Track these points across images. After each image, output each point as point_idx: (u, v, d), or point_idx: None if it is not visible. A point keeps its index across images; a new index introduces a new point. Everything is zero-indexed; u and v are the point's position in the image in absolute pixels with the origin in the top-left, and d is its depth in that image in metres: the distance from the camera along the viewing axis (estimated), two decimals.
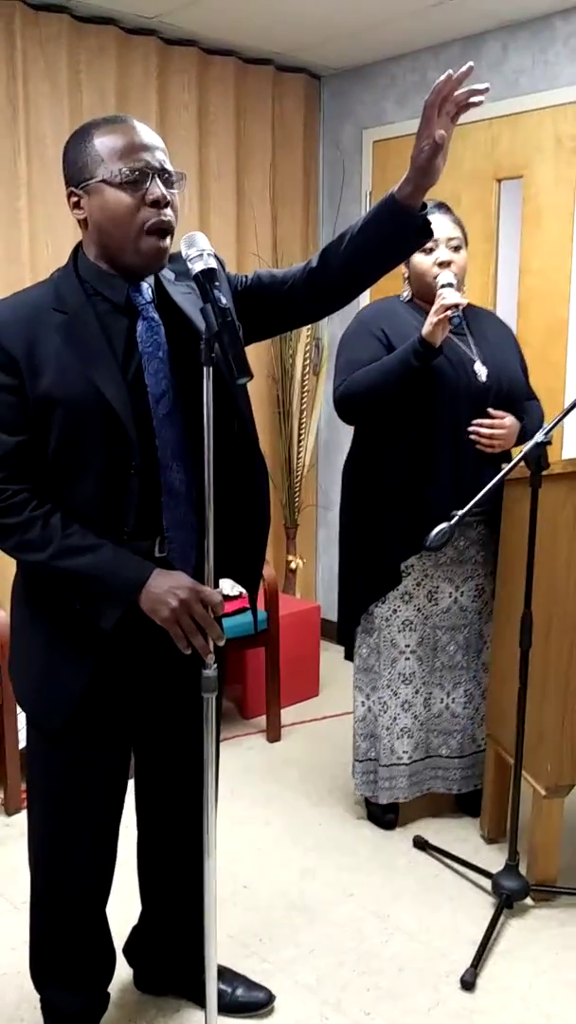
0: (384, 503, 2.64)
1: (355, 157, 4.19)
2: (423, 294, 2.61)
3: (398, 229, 1.67)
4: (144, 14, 3.46)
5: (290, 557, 4.25)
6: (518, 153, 3.56)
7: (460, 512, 2.16)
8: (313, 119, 4.28)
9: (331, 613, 4.28)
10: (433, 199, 2.63)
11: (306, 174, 4.27)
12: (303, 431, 4.19)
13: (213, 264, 1.61)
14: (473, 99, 1.56)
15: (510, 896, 2.41)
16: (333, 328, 4.32)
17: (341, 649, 2.92)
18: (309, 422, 4.21)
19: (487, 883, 2.52)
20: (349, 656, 2.90)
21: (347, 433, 4.36)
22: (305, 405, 4.18)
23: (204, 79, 3.82)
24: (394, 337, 2.58)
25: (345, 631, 2.85)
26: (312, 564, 4.60)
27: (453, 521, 2.14)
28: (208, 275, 1.59)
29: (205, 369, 1.58)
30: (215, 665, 1.67)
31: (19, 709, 2.91)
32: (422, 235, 1.70)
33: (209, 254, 1.62)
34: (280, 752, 3.44)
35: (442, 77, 1.53)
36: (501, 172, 3.63)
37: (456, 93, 1.55)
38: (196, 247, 1.62)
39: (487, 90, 1.57)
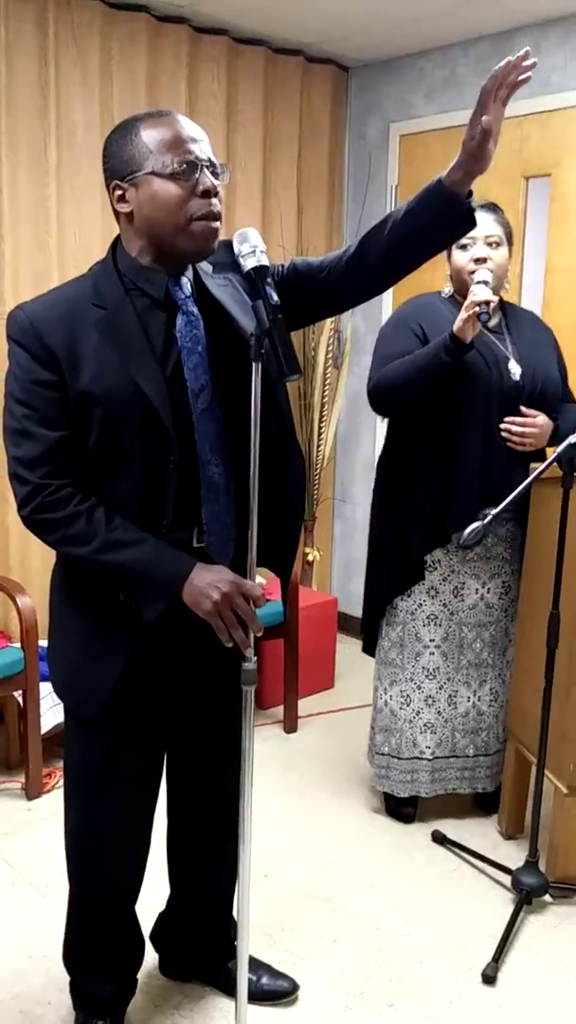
0: (411, 496, 2.65)
1: (381, 150, 4.19)
2: (462, 290, 2.62)
3: (443, 215, 1.66)
4: (176, 1, 3.45)
5: (307, 549, 4.26)
6: (547, 151, 3.56)
7: (494, 511, 2.17)
8: (340, 111, 4.28)
9: (346, 606, 4.31)
10: (484, 198, 2.66)
11: (332, 166, 4.27)
12: (323, 424, 4.20)
13: (265, 261, 1.62)
14: (522, 76, 1.56)
15: (530, 892, 2.43)
16: (356, 321, 4.33)
17: (356, 642, 2.94)
18: (330, 415, 4.22)
19: (506, 879, 2.54)
20: (368, 650, 2.91)
21: (366, 427, 4.40)
22: (326, 398, 4.18)
23: (233, 68, 3.81)
24: (431, 332, 2.59)
25: (368, 623, 2.87)
26: (328, 557, 4.62)
27: (487, 520, 2.16)
28: (260, 272, 1.60)
29: (254, 365, 1.58)
30: (255, 658, 1.69)
31: (42, 696, 2.94)
32: (466, 222, 1.69)
33: (261, 251, 1.62)
34: (297, 743, 3.46)
35: (500, 63, 1.54)
36: (529, 170, 3.63)
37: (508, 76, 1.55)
38: (249, 243, 1.62)
39: (535, 65, 1.57)
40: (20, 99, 3.23)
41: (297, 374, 1.58)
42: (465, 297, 2.55)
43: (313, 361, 4.12)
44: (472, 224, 1.69)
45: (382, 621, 2.82)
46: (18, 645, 2.95)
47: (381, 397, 2.64)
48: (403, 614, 2.74)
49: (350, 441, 4.48)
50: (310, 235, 4.21)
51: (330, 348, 4.18)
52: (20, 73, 3.22)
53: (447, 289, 2.71)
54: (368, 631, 2.89)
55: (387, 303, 4.14)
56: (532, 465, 2.56)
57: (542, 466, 2.23)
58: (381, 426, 4.34)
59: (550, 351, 2.72)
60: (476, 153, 1.58)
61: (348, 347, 4.30)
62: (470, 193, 1.65)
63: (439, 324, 2.58)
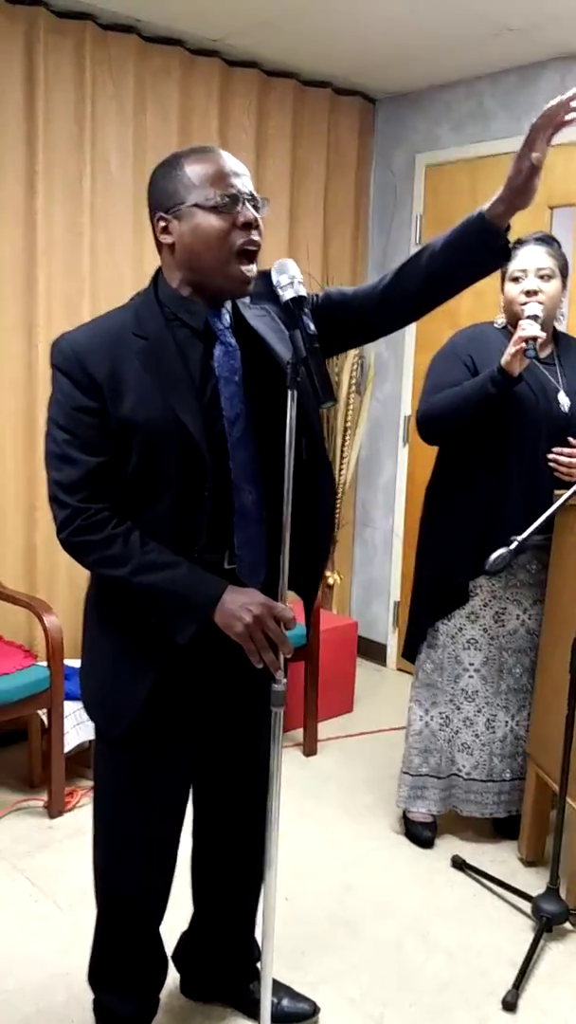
0: (456, 522, 2.70)
1: (407, 181, 4.25)
2: (513, 322, 2.65)
3: (480, 247, 1.70)
4: (209, 36, 3.54)
5: (328, 573, 4.28)
6: (572, 181, 3.61)
7: (519, 538, 2.20)
8: (367, 142, 4.35)
9: (366, 630, 4.33)
10: (540, 231, 2.70)
11: (358, 196, 4.33)
12: (346, 449, 4.23)
13: (303, 291, 1.66)
14: (569, 116, 1.60)
15: (550, 919, 2.43)
16: (379, 348, 4.37)
17: (375, 666, 2.95)
18: (352, 440, 4.26)
19: (526, 905, 2.54)
20: (408, 655, 2.94)
21: (388, 453, 4.43)
22: (349, 423, 4.22)
23: (263, 101, 3.89)
24: (480, 363, 2.64)
25: (410, 644, 2.91)
26: (348, 580, 4.64)
27: (512, 547, 2.18)
28: (298, 302, 1.64)
29: (290, 393, 1.62)
30: (285, 680, 1.71)
31: (66, 715, 2.97)
32: (501, 257, 1.74)
33: (299, 281, 1.66)
34: (317, 766, 3.47)
35: (553, 102, 1.58)
36: (554, 200, 3.68)
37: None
38: (287, 274, 1.67)
39: None
40: (57, 131, 3.32)
41: (333, 401, 1.62)
42: (516, 328, 2.59)
43: (336, 387, 4.16)
44: (507, 259, 1.74)
45: (423, 643, 2.85)
46: (44, 663, 2.99)
47: (429, 426, 2.69)
48: (444, 637, 2.78)
49: (372, 466, 4.51)
50: (336, 264, 4.28)
51: (354, 374, 4.23)
52: (58, 106, 3.31)
53: (500, 320, 2.74)
54: (409, 651, 2.93)
55: (411, 332, 4.19)
56: (556, 492, 2.59)
57: (567, 493, 2.26)
58: (402, 451, 4.38)
59: None
60: (522, 188, 1.62)
61: (372, 373, 4.34)
62: (508, 227, 1.69)
63: (489, 355, 2.62)
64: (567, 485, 2.61)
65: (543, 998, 2.26)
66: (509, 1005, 2.21)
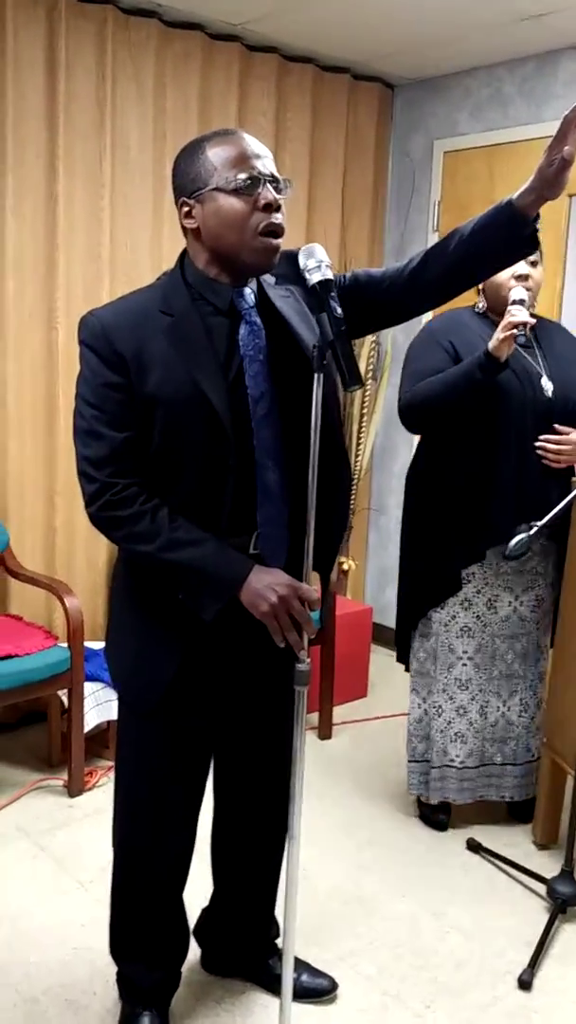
0: (447, 511, 2.69)
1: (425, 167, 4.25)
2: (497, 306, 2.65)
3: (509, 235, 1.72)
4: (230, 20, 3.54)
5: (343, 559, 4.31)
6: None
7: (539, 523, 2.22)
8: (385, 128, 4.35)
9: (380, 616, 4.35)
10: None
11: (376, 182, 4.33)
12: (362, 435, 4.25)
13: (331, 275, 1.68)
14: None
15: (565, 901, 2.45)
16: (396, 334, 4.38)
17: (389, 652, 2.97)
18: (368, 427, 4.27)
19: (540, 887, 2.57)
20: (402, 659, 2.95)
21: (403, 439, 4.44)
22: (365, 410, 4.24)
23: (283, 86, 3.88)
24: (462, 349, 2.63)
25: (402, 634, 2.92)
26: (363, 566, 4.66)
27: (532, 532, 2.20)
28: (325, 286, 1.66)
29: (316, 376, 1.64)
30: (308, 659, 1.74)
31: (86, 696, 3.01)
32: (530, 245, 1.75)
33: (327, 265, 1.68)
34: (332, 749, 3.50)
35: None
36: (572, 188, 3.66)
37: None
38: (315, 258, 1.68)
39: None
40: (78, 114, 3.33)
41: (360, 385, 1.63)
42: (498, 313, 2.59)
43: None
44: (535, 246, 1.74)
45: (415, 632, 2.86)
46: (64, 644, 3.02)
47: (413, 414, 2.67)
48: (437, 626, 2.78)
49: (387, 453, 4.53)
50: (353, 249, 4.28)
51: (370, 360, 4.24)
52: (79, 89, 3.32)
53: (480, 304, 2.74)
54: (401, 642, 2.94)
55: (428, 318, 4.19)
56: (574, 480, 2.60)
57: None
58: (417, 438, 4.37)
59: None
60: (552, 180, 1.63)
61: (388, 359, 4.35)
62: (537, 216, 1.70)
63: (470, 340, 2.62)
64: (554, 471, 2.64)
65: (557, 978, 2.29)
66: (524, 984, 2.25)
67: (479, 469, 2.63)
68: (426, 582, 2.77)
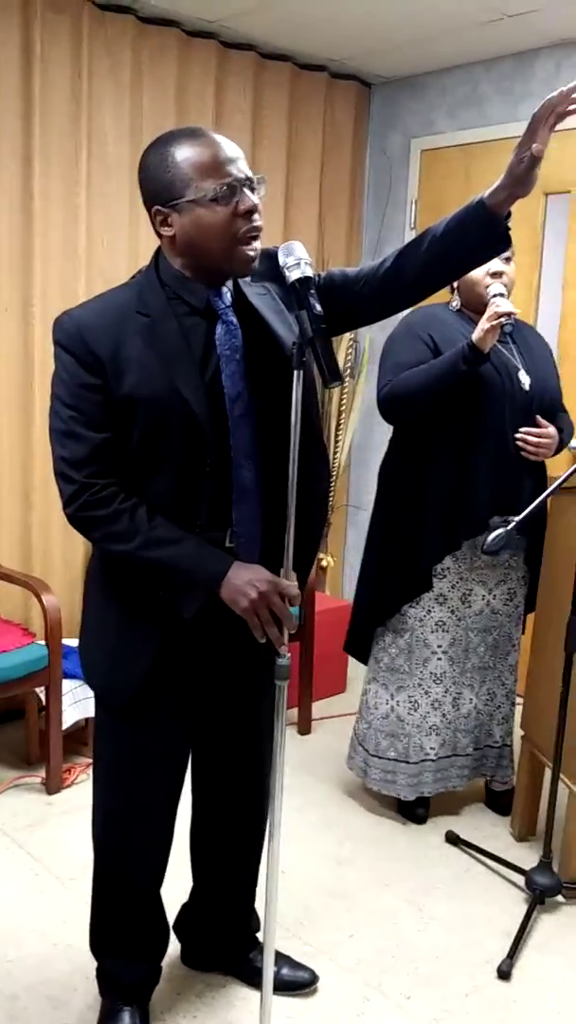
0: (423, 505, 2.69)
1: (402, 165, 4.27)
2: (472, 303, 2.68)
3: (482, 235, 1.73)
4: (206, 17, 3.54)
5: (321, 555, 4.32)
6: (568, 169, 3.63)
7: (517, 518, 2.24)
8: (362, 126, 4.36)
9: None
10: None
11: (353, 180, 4.35)
12: (340, 433, 4.26)
13: (310, 273, 1.68)
14: (571, 107, 1.62)
15: (543, 892, 2.48)
16: (373, 332, 4.39)
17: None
18: (346, 424, 4.29)
19: (519, 879, 2.60)
20: (363, 657, 2.95)
21: (381, 435, 4.45)
22: (343, 407, 4.25)
23: (259, 83, 3.89)
24: (441, 343, 2.65)
25: (363, 630, 2.91)
26: (340, 563, 4.68)
27: (511, 526, 2.22)
28: (305, 283, 1.67)
29: (296, 373, 1.65)
30: (288, 654, 1.75)
31: (64, 693, 3.00)
32: (502, 243, 1.76)
33: (307, 263, 1.69)
34: (311, 744, 3.52)
35: (555, 93, 1.60)
36: (549, 186, 3.70)
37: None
38: (294, 256, 1.69)
39: None
40: (54, 109, 3.32)
41: (340, 381, 1.64)
42: (473, 309, 2.61)
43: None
44: (507, 245, 1.75)
45: (380, 628, 2.86)
46: (42, 642, 3.01)
47: (394, 405, 2.67)
48: (412, 621, 2.79)
49: (365, 449, 4.54)
50: (331, 248, 4.29)
51: (348, 358, 4.25)
52: (54, 84, 3.31)
53: (455, 303, 2.76)
54: (361, 638, 2.93)
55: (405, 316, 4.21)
56: (551, 476, 2.63)
57: (565, 474, 2.30)
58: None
59: (550, 362, 2.81)
60: (523, 178, 1.64)
61: (366, 357, 4.37)
62: (509, 214, 1.71)
63: (449, 335, 2.64)
64: (534, 464, 2.67)
65: (536, 967, 2.31)
66: (504, 974, 2.27)
67: (456, 461, 2.64)
68: (401, 578, 2.77)
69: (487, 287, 2.61)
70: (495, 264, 2.60)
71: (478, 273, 2.62)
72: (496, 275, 2.62)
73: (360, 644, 2.95)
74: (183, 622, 1.76)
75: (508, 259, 2.65)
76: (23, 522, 3.47)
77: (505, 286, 2.61)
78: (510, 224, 1.73)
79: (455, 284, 2.74)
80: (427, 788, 2.89)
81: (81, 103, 3.36)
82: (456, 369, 2.54)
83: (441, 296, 2.77)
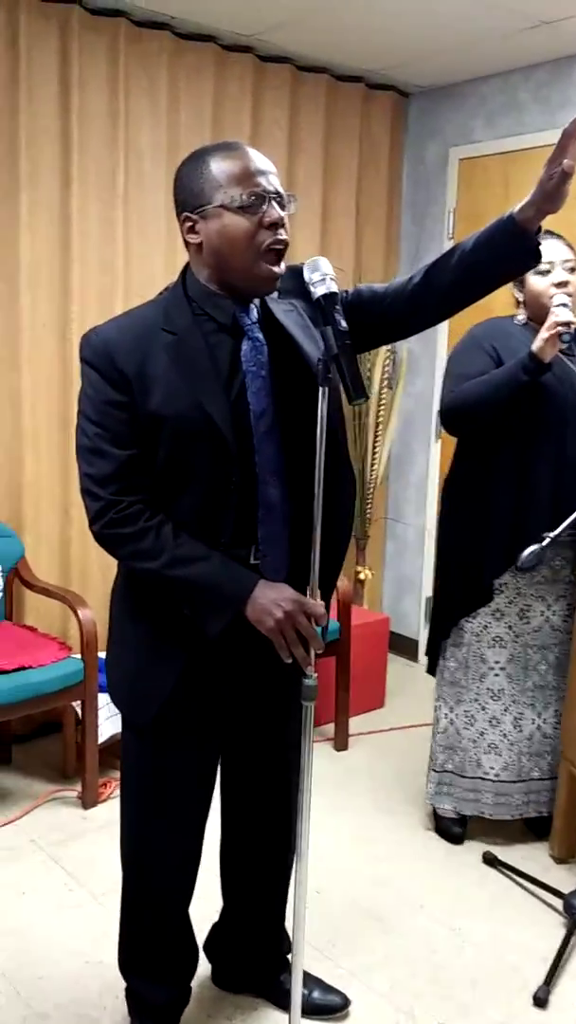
0: (483, 519, 2.68)
1: (440, 175, 4.23)
2: (538, 316, 2.61)
3: (512, 250, 1.70)
4: (243, 31, 3.55)
5: (359, 568, 4.29)
6: None
7: (552, 534, 2.19)
8: (400, 136, 4.34)
9: (397, 625, 4.33)
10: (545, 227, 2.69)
11: (390, 191, 4.32)
12: (377, 444, 4.23)
13: (335, 288, 1.67)
14: None
15: None
16: (411, 344, 4.36)
17: (407, 661, 2.94)
18: (384, 435, 4.26)
19: (557, 902, 2.54)
20: (432, 669, 2.93)
21: (420, 448, 4.43)
22: (381, 419, 4.22)
23: (296, 96, 3.89)
24: (504, 354, 2.62)
25: (433, 643, 2.90)
26: (380, 575, 4.64)
27: (544, 543, 2.18)
28: (330, 299, 1.65)
29: (321, 390, 1.63)
30: (315, 675, 1.73)
31: (100, 707, 3.01)
32: (532, 258, 1.73)
33: (332, 278, 1.67)
34: (347, 761, 3.48)
35: None
36: None
37: None
38: (319, 271, 1.68)
39: None
40: (92, 128, 3.35)
41: (365, 398, 1.62)
42: (540, 322, 2.56)
43: (368, 382, 4.16)
44: (538, 260, 1.72)
45: (444, 641, 2.84)
46: (78, 656, 3.02)
47: (456, 416, 2.66)
48: (468, 635, 2.76)
49: (403, 461, 4.51)
50: (368, 259, 4.27)
51: (386, 369, 4.22)
52: (92, 103, 3.34)
53: (520, 316, 2.72)
54: (432, 651, 2.92)
55: (443, 327, 4.17)
56: None
57: None
58: (435, 447, 4.37)
59: None
60: (553, 193, 1.60)
61: (403, 368, 4.33)
62: (539, 230, 1.68)
63: (512, 347, 2.61)
64: None
65: (573, 994, 2.26)
66: (540, 1001, 2.22)
67: (518, 476, 2.62)
68: (460, 591, 2.76)
69: (551, 297, 2.57)
70: (558, 274, 2.57)
71: (541, 284, 2.59)
72: (561, 285, 2.58)
73: (433, 659, 2.93)
74: (208, 641, 1.75)
75: (573, 269, 2.61)
76: (62, 536, 3.50)
77: (570, 295, 2.57)
78: (541, 240, 1.70)
79: (522, 298, 2.69)
80: (487, 809, 2.84)
81: (118, 121, 3.39)
82: (516, 379, 2.51)
83: (507, 308, 2.76)
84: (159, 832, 1.92)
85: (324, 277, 1.67)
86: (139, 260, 3.54)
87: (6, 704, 2.82)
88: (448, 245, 4.12)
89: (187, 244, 1.73)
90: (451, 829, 2.92)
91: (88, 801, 3.04)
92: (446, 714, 2.86)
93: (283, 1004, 2.13)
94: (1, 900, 2.56)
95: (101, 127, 3.37)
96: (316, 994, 2.16)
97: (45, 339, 3.37)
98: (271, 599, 1.69)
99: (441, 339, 4.24)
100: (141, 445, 1.69)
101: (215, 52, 3.60)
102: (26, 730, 3.43)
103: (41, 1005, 2.18)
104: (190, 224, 1.70)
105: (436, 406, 4.25)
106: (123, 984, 2.07)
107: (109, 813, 2.99)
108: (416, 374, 4.40)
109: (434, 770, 2.90)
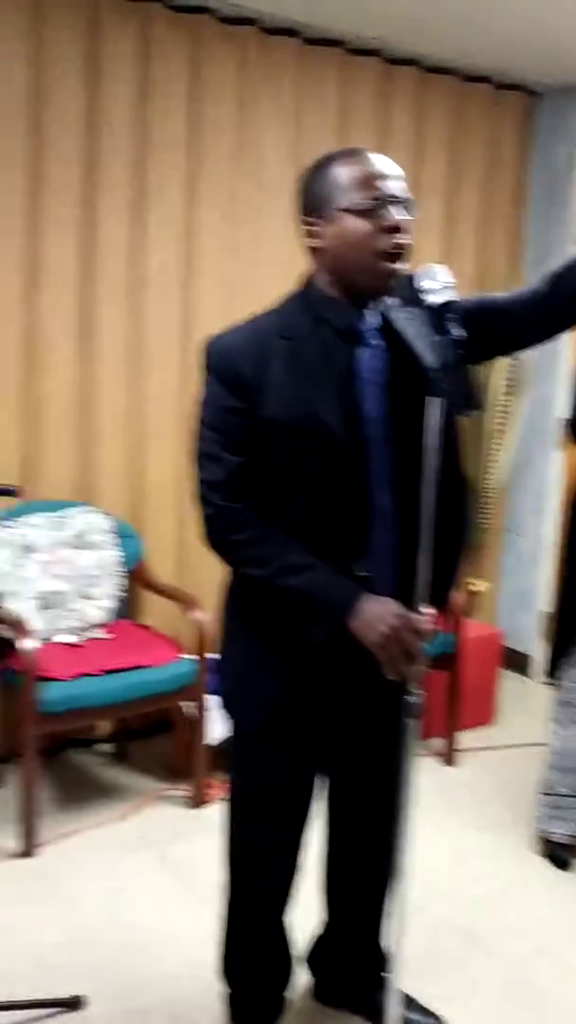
0: None
1: (568, 177, 4.11)
2: None
3: None
4: (369, 34, 3.53)
5: (471, 580, 4.20)
6: None
7: None
8: (527, 138, 4.24)
9: (512, 640, 4.22)
10: None
11: (516, 194, 4.23)
12: (496, 452, 4.14)
13: (453, 296, 1.64)
14: None
15: None
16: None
17: (520, 678, 2.87)
18: (503, 444, 4.16)
19: None
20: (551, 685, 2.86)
21: (542, 456, 4.30)
22: (499, 426, 4.12)
23: (421, 99, 3.85)
24: None
25: (553, 661, 2.83)
26: (496, 588, 4.54)
27: None
28: (447, 307, 1.63)
29: (434, 400, 1.61)
30: (420, 692, 1.70)
31: (211, 708, 3.05)
32: None
33: (449, 286, 1.65)
34: (454, 777, 3.43)
35: None
36: None
37: None
38: (437, 280, 1.66)
39: None
40: (218, 139, 3.41)
41: (477, 410, 1.59)
42: None
43: (486, 390, 4.07)
44: None
45: (564, 660, 2.76)
46: (192, 657, 3.07)
47: None
48: None
49: (523, 471, 4.40)
50: (492, 265, 4.19)
51: (509, 375, 4.12)
52: (220, 115, 3.39)
53: None
54: (553, 668, 2.84)
55: (567, 336, 4.04)
56: None
57: None
58: (556, 457, 4.24)
59: None
60: None
61: (528, 376, 4.22)
62: None
63: None
64: None
65: None
66: None
67: None
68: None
69: None
70: None
71: None
72: None
73: (551, 675, 2.86)
74: (314, 651, 1.75)
75: None
76: (180, 539, 3.56)
77: None
78: None
79: None
80: None
81: (244, 131, 3.44)
82: None
83: None
84: (260, 838, 1.94)
85: (442, 285, 1.65)
86: (260, 269, 3.56)
87: (121, 702, 2.90)
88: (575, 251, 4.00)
89: (308, 249, 1.74)
90: (558, 855, 2.84)
91: (197, 802, 3.08)
92: (561, 735, 2.77)
93: (380, 1022, 2.11)
94: (108, 895, 2.63)
95: (227, 139, 3.42)
96: (413, 1016, 2.12)
97: (170, 346, 3.44)
98: (376, 613, 1.68)
99: (562, 346, 4.12)
100: (255, 452, 1.70)
101: (340, 57, 3.59)
102: (140, 728, 3.51)
103: (141, 1003, 2.22)
104: (311, 228, 1.71)
105: (557, 413, 4.15)
106: (220, 988, 2.09)
107: (217, 814, 3.02)
108: (537, 380, 4.28)
109: (546, 793, 2.82)
